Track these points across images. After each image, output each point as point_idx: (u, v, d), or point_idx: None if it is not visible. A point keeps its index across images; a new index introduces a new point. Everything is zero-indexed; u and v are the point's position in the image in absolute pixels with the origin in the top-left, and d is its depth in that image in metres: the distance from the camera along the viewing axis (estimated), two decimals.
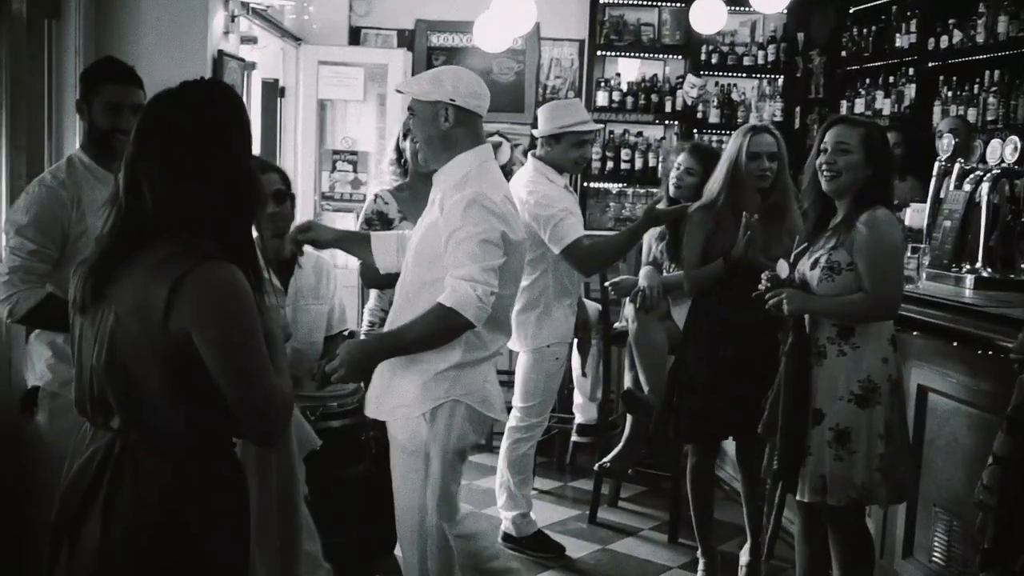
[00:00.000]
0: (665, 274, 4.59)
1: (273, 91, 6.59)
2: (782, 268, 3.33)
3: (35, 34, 3.69)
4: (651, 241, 4.68)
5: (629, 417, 4.76)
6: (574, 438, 5.50)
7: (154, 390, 1.95)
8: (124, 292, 1.95)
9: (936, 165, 4.30)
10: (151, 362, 1.93)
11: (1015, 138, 3.94)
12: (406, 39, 7.58)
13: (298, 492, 2.88)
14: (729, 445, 4.63)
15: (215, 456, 2.05)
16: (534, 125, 7.57)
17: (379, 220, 3.92)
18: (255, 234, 3.61)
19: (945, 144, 4.27)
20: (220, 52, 4.21)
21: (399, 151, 4.00)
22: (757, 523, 4.11)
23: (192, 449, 2.00)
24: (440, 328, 2.89)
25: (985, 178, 3.97)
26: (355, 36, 7.54)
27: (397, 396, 3.04)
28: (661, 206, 4.65)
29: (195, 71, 4.10)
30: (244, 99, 4.71)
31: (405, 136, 3.96)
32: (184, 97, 2.05)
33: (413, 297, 3.01)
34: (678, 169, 4.55)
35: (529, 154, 4.49)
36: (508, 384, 5.78)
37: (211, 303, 1.93)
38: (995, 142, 3.99)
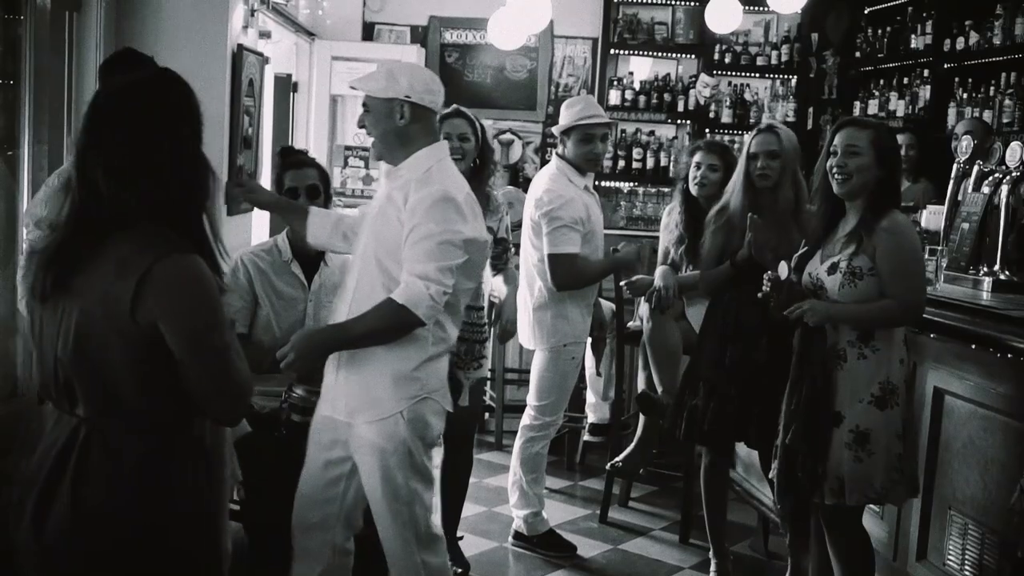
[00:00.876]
0: (681, 274, 4.58)
1: (286, 86, 6.59)
2: (782, 269, 3.34)
3: (56, 27, 3.69)
4: (669, 245, 4.67)
5: (642, 417, 4.75)
6: (586, 437, 5.49)
7: (122, 380, 1.99)
8: (88, 285, 1.98)
9: (954, 167, 4.29)
10: (119, 354, 1.97)
11: None
12: (419, 35, 7.59)
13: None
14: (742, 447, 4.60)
15: (184, 441, 2.09)
16: (547, 123, 7.66)
17: None
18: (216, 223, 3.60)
19: (964, 146, 4.26)
20: (239, 46, 4.22)
21: None
22: (795, 544, 4.02)
23: (161, 436, 2.04)
24: (390, 324, 2.89)
25: (1004, 181, 3.96)
26: (368, 32, 7.56)
27: (365, 398, 3.00)
28: (677, 208, 4.65)
29: (215, 65, 4.12)
30: (259, 93, 4.72)
31: None
32: (134, 87, 2.08)
33: (369, 289, 2.97)
34: (698, 168, 4.52)
35: (554, 153, 4.49)
36: (522, 383, 5.81)
37: (178, 296, 1.96)
38: (1015, 144, 3.97)
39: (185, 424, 2.09)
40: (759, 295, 3.37)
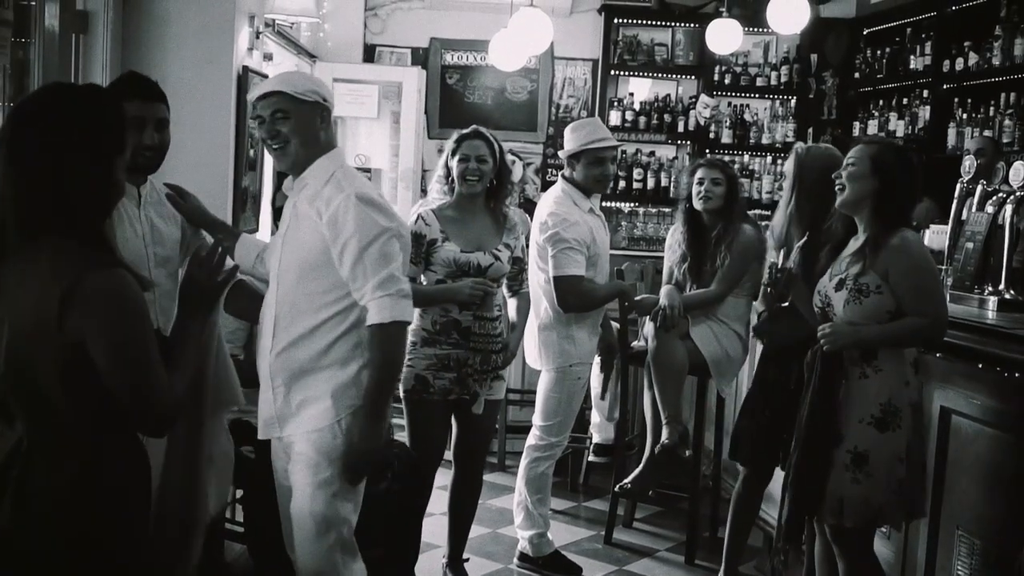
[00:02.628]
0: (685, 293, 4.58)
1: None
2: (780, 257, 3.38)
3: (64, 49, 3.70)
4: (672, 265, 4.67)
5: (648, 438, 4.73)
6: (591, 458, 5.47)
7: (54, 392, 1.99)
8: (12, 301, 1.99)
9: (958, 186, 4.31)
10: (49, 367, 1.98)
11: None
12: (420, 57, 7.64)
13: (202, 459, 2.81)
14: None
15: (124, 445, 2.10)
16: (547, 144, 7.69)
17: (414, 242, 3.80)
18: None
19: (967, 166, 4.28)
20: (245, 68, 4.23)
21: (447, 169, 3.97)
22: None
23: (101, 443, 2.06)
24: (395, 346, 2.89)
25: (1008, 200, 3.97)
26: (370, 54, 7.60)
27: (305, 409, 2.91)
28: (680, 228, 4.66)
29: (221, 87, 4.13)
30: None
31: (453, 154, 3.94)
32: (40, 100, 2.11)
33: (290, 308, 2.89)
34: (701, 184, 4.52)
35: (560, 175, 4.50)
36: (526, 403, 5.80)
37: (105, 310, 1.97)
38: (1018, 164, 3.98)
39: (123, 428, 2.10)
40: (763, 283, 3.41)
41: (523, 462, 4.54)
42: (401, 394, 3.90)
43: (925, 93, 6.54)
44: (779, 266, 3.38)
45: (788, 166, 3.91)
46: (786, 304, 3.60)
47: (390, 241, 2.84)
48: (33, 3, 3.60)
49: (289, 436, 2.94)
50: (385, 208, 2.90)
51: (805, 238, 3.49)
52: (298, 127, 2.88)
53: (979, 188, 4.18)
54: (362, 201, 2.82)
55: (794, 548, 3.65)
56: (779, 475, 3.82)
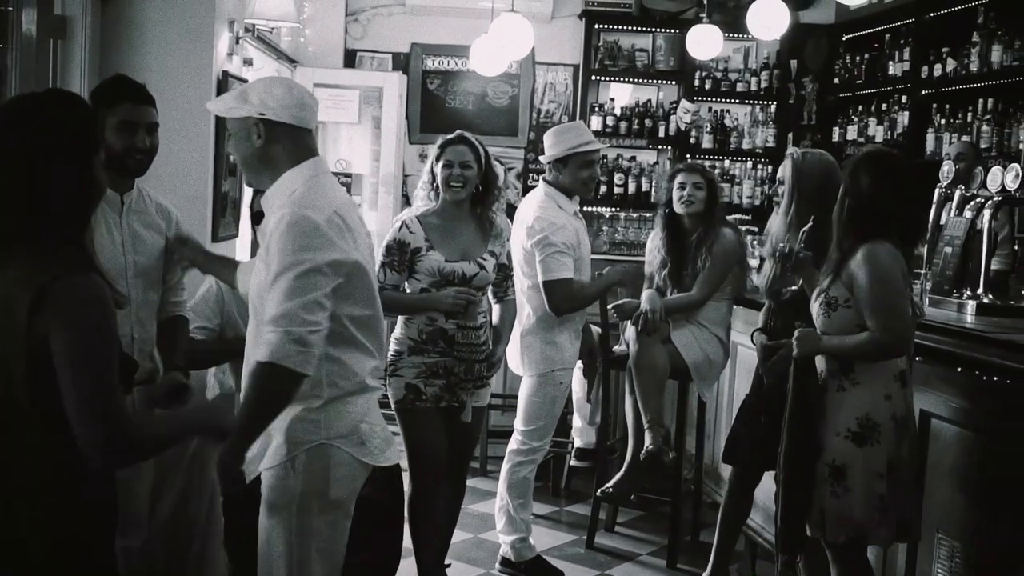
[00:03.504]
0: (667, 297, 4.59)
1: None
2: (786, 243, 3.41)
3: (42, 55, 3.68)
4: (653, 270, 4.68)
5: (630, 442, 4.74)
6: (572, 462, 5.47)
7: (20, 395, 1.97)
8: None
9: (936, 192, 4.33)
10: (18, 369, 1.95)
11: (1016, 166, 3.97)
12: (401, 62, 7.63)
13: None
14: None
15: (88, 476, 2.05)
16: (529, 149, 7.71)
17: (397, 249, 3.84)
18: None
19: (946, 171, 4.31)
20: (224, 73, 4.22)
21: (432, 175, 3.95)
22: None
23: (71, 448, 2.00)
24: (267, 390, 2.49)
25: (987, 205, 4.00)
26: (350, 59, 7.58)
27: (263, 444, 2.65)
28: (659, 234, 4.67)
29: (200, 92, 4.11)
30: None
31: (438, 160, 3.92)
32: (21, 107, 2.11)
33: (251, 345, 2.65)
34: (683, 188, 4.54)
35: (541, 179, 4.50)
36: (507, 408, 5.80)
37: (72, 312, 1.95)
38: (995, 169, 4.01)
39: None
40: (773, 272, 3.46)
41: (505, 467, 4.54)
42: (392, 406, 3.88)
43: (904, 99, 6.58)
44: (787, 248, 3.37)
45: (785, 173, 3.84)
46: (792, 288, 3.59)
47: (309, 275, 2.49)
48: (10, 8, 3.58)
49: (250, 475, 2.72)
50: (325, 234, 2.54)
51: (810, 223, 3.45)
52: (236, 144, 2.74)
53: (957, 193, 4.21)
54: (293, 225, 2.52)
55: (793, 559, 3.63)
56: (769, 482, 3.84)
